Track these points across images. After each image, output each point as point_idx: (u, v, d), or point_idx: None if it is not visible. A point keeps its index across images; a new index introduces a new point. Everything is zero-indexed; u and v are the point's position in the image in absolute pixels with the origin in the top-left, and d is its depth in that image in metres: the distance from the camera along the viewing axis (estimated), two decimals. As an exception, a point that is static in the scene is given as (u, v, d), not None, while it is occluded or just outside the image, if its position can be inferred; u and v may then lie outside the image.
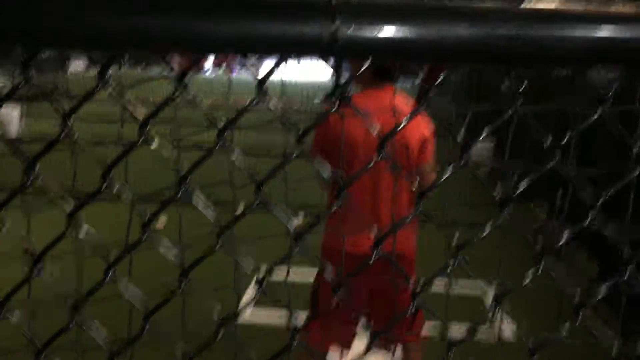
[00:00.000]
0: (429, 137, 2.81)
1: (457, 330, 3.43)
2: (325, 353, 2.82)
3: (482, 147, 8.35)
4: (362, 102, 2.62)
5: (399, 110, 2.47)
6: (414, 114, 0.86)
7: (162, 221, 3.97)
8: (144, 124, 0.68)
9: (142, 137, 0.68)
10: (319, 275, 2.83)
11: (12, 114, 10.07)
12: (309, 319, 2.83)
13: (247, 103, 0.68)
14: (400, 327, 2.68)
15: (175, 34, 0.59)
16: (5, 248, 1.04)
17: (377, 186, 2.65)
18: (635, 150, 0.69)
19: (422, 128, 2.77)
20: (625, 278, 0.73)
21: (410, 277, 2.86)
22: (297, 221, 3.97)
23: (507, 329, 3.48)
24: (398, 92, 2.61)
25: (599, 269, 5.08)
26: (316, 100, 12.16)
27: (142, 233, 0.72)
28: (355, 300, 2.68)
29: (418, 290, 0.74)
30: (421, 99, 0.74)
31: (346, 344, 2.84)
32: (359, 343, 2.90)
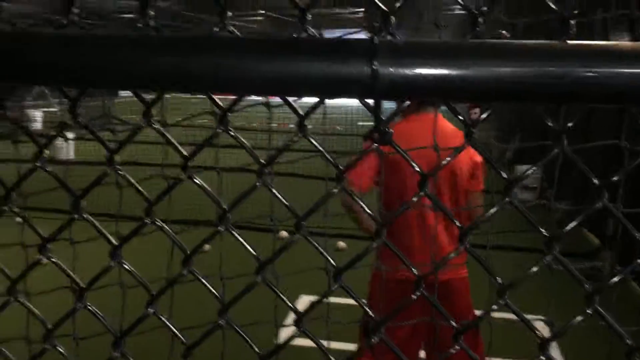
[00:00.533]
0: (480, 162, 2.76)
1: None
2: None
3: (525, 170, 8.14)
4: (405, 129, 2.61)
5: (445, 133, 2.44)
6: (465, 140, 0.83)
7: (206, 247, 4.04)
8: (186, 161, 0.70)
9: (187, 176, 0.69)
10: (369, 303, 2.80)
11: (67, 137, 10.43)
12: (359, 350, 2.79)
13: (286, 143, 0.68)
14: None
15: (217, 75, 0.60)
16: (50, 279, 1.07)
17: (422, 212, 2.61)
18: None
19: (471, 153, 2.72)
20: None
21: (467, 305, 2.79)
22: (342, 244, 3.96)
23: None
24: (439, 116, 2.59)
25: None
26: (359, 123, 12.15)
27: (182, 267, 0.72)
28: (409, 330, 2.64)
29: (462, 326, 0.73)
30: (468, 130, 0.73)
31: None
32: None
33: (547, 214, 1.40)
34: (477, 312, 2.85)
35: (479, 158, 2.75)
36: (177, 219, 5.37)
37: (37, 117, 13.85)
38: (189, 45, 0.62)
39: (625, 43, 0.60)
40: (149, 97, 0.72)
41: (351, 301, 0.77)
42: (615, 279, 0.68)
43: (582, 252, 6.21)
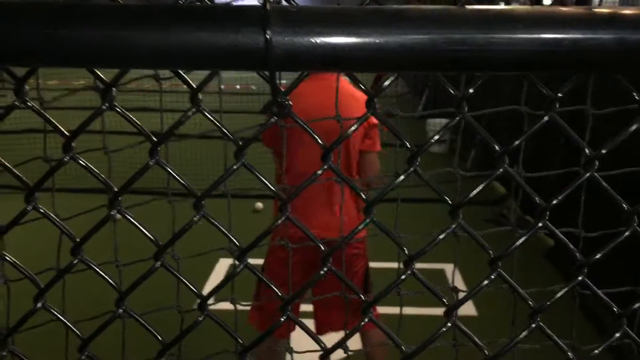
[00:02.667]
0: (375, 123, 2.76)
1: (415, 317, 3.46)
2: (276, 341, 2.80)
3: (439, 123, 8.39)
4: (305, 89, 2.57)
5: (346, 95, 2.43)
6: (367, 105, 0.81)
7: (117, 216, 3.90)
8: (68, 141, 0.63)
9: (68, 157, 0.63)
10: (267, 258, 2.80)
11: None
12: (255, 298, 2.79)
13: (181, 117, 0.63)
14: (353, 312, 2.68)
15: (94, 48, 0.54)
16: None
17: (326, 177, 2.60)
18: (584, 152, 0.67)
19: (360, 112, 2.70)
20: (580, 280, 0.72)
21: (361, 261, 2.85)
22: (259, 205, 3.92)
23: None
24: (340, 78, 2.57)
25: (554, 244, 5.18)
26: (253, 87, 11.96)
27: (72, 257, 0.67)
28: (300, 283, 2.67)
29: (369, 301, 0.72)
30: (369, 99, 0.71)
31: (283, 332, 2.78)
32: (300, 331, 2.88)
33: (459, 165, 1.42)
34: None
35: (374, 119, 2.75)
36: (73, 188, 5.15)
37: None
38: (61, 13, 0.55)
39: (521, 7, 0.59)
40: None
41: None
42: (517, 244, 0.69)
43: (489, 200, 6.50)
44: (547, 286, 1.05)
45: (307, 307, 3.10)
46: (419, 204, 5.81)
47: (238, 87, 12.51)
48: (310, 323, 3.01)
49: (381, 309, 3.05)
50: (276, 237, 2.61)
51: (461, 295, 0.74)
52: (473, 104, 0.69)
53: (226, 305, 1.39)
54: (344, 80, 2.73)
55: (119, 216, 0.68)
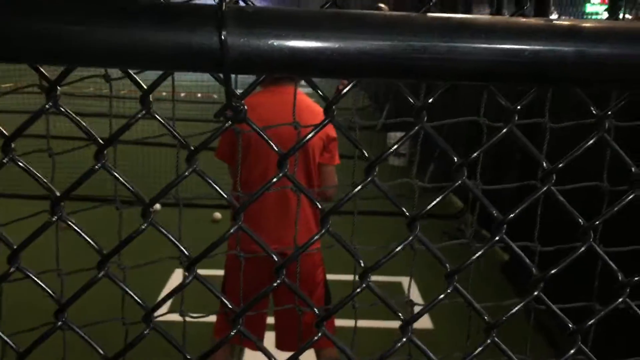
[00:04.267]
0: (334, 137, 2.76)
1: (372, 330, 3.46)
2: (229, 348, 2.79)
3: (397, 136, 8.46)
4: (262, 101, 2.56)
5: (303, 108, 2.42)
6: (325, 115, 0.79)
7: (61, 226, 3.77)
8: (8, 141, 0.60)
9: (7, 158, 0.60)
10: (225, 270, 2.76)
11: None
12: (218, 315, 2.76)
13: (130, 119, 0.60)
14: (308, 329, 2.66)
15: (38, 44, 0.50)
16: None
17: (287, 192, 2.58)
18: (541, 165, 0.66)
19: (326, 127, 2.71)
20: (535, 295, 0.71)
21: (321, 272, 2.83)
22: (217, 215, 3.88)
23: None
24: (298, 91, 2.56)
25: (509, 259, 5.26)
26: (215, 96, 11.89)
27: (9, 265, 0.63)
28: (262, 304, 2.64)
29: (323, 314, 0.70)
30: (327, 106, 0.69)
31: (252, 346, 2.79)
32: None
33: (417, 178, 1.42)
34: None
35: (333, 132, 2.76)
36: (19, 194, 4.97)
37: None
38: (8, 2, 0.52)
39: (483, 17, 0.58)
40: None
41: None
42: (473, 258, 0.68)
43: (446, 214, 6.56)
44: (502, 300, 1.05)
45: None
46: (376, 217, 5.83)
47: (199, 95, 12.39)
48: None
49: (337, 322, 3.04)
50: (232, 249, 2.57)
51: (417, 309, 0.73)
52: (433, 116, 0.68)
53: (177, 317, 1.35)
54: (302, 94, 2.72)
55: (64, 225, 0.64)
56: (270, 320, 2.93)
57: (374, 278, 0.71)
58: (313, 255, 2.76)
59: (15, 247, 0.62)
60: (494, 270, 5.09)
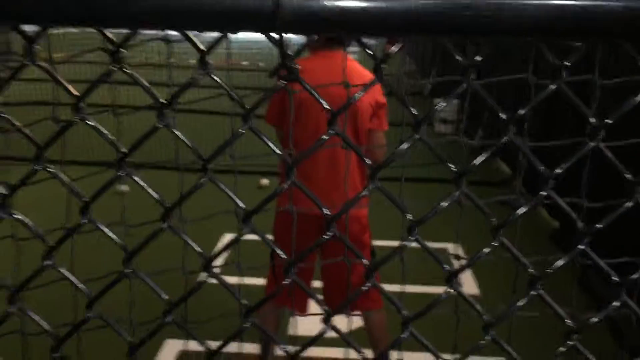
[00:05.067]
0: (383, 103, 2.77)
1: (416, 295, 3.49)
2: (278, 308, 2.86)
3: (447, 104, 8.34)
4: (312, 65, 2.57)
5: (352, 72, 2.43)
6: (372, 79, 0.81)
7: (124, 188, 3.86)
8: (78, 101, 0.64)
9: (78, 117, 0.64)
10: (274, 228, 2.82)
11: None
12: (268, 281, 2.85)
13: (189, 79, 0.64)
14: (363, 296, 2.70)
15: (101, 9, 0.54)
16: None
17: (333, 149, 2.62)
18: (590, 123, 0.67)
19: (375, 93, 2.72)
20: (582, 248, 0.72)
21: (367, 235, 2.87)
22: (265, 181, 3.98)
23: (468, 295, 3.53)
24: (348, 56, 2.57)
25: (559, 226, 5.19)
26: (261, 64, 11.91)
27: (81, 216, 0.68)
28: (309, 265, 2.70)
29: (373, 265, 0.73)
30: (376, 65, 0.71)
31: (301, 309, 2.85)
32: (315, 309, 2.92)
33: (465, 147, 1.42)
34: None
35: (382, 98, 2.76)
36: (77, 160, 5.14)
37: None
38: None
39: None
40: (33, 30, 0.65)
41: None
42: (518, 213, 0.69)
43: (494, 182, 6.49)
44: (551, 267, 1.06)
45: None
46: (424, 184, 5.82)
47: (245, 63, 12.46)
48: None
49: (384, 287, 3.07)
50: (282, 206, 2.64)
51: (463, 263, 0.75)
52: (484, 78, 0.69)
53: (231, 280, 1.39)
54: (352, 60, 2.73)
55: (125, 188, 0.69)
56: (316, 286, 2.99)
57: (419, 246, 0.73)
58: (360, 218, 2.79)
59: (87, 199, 0.67)
60: (543, 238, 5.04)
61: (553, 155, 0.67)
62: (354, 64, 2.72)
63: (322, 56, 2.61)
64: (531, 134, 1.09)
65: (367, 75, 2.65)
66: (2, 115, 0.64)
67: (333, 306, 0.73)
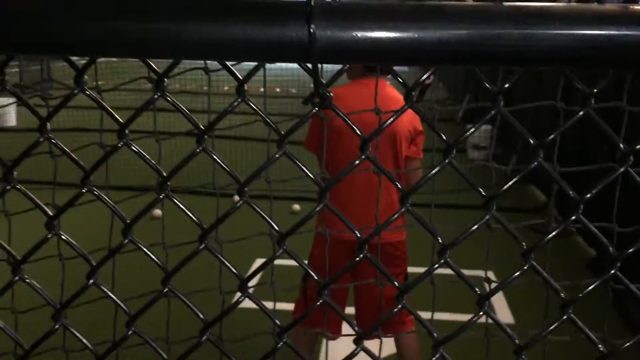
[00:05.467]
0: (420, 130, 2.79)
1: (446, 322, 3.45)
2: (311, 329, 2.86)
3: (481, 129, 8.32)
4: (349, 92, 2.62)
5: (389, 99, 2.46)
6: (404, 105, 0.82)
7: (157, 213, 3.92)
8: (122, 128, 0.68)
9: (122, 142, 0.68)
10: (312, 250, 2.85)
11: (8, 102, 10.05)
12: (298, 305, 2.86)
13: (228, 106, 0.67)
14: (395, 319, 2.70)
15: (147, 40, 0.57)
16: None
17: (369, 175, 2.65)
18: (620, 148, 0.68)
19: (414, 120, 2.76)
20: (612, 274, 0.73)
21: (402, 264, 2.87)
22: (296, 207, 4.04)
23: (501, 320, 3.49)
24: (385, 83, 2.61)
25: (596, 255, 5.09)
26: (293, 90, 12.09)
27: (123, 237, 0.71)
28: (343, 289, 2.71)
29: (404, 287, 0.74)
30: (407, 92, 0.73)
31: (334, 331, 2.86)
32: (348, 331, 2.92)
33: (497, 172, 1.43)
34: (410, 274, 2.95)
35: (420, 125, 2.79)
36: (117, 185, 5.27)
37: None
38: (118, 7, 0.60)
39: (558, 5, 0.61)
40: (82, 61, 0.69)
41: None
42: (548, 238, 0.70)
43: (527, 209, 6.41)
44: (586, 296, 1.05)
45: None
46: (455, 210, 5.79)
47: (278, 90, 12.63)
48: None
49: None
50: (319, 228, 2.67)
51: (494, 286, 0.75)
52: (516, 104, 0.70)
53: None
54: (390, 87, 2.77)
55: (159, 212, 0.72)
56: (350, 312, 2.99)
57: (449, 271, 0.75)
58: (397, 244, 2.80)
59: (128, 221, 0.70)
60: (580, 267, 4.94)
61: (588, 182, 0.68)
62: (391, 91, 2.76)
63: (360, 83, 2.66)
64: (566, 161, 1.09)
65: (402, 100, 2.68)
66: (53, 141, 0.68)
67: (365, 329, 0.75)
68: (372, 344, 0.78)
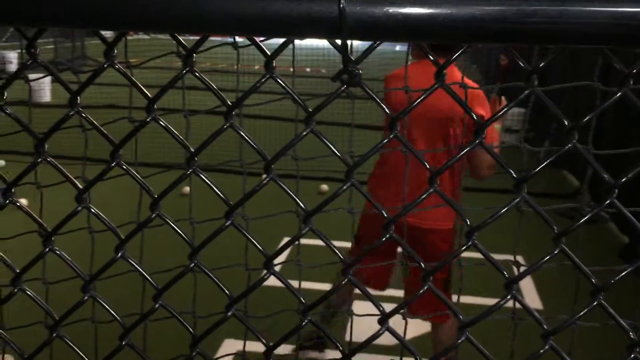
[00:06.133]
0: (481, 114, 2.70)
1: (473, 305, 3.42)
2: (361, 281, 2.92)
3: (514, 112, 8.20)
4: (413, 73, 2.58)
5: (453, 81, 2.43)
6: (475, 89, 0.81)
7: (185, 190, 3.95)
8: (150, 103, 0.68)
9: (150, 117, 0.68)
10: (362, 217, 2.88)
11: (44, 80, 10.21)
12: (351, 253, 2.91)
13: (255, 82, 0.66)
14: (427, 304, 2.70)
15: (175, 14, 0.57)
16: (19, 224, 1.07)
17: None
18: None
19: (475, 104, 2.66)
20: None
21: (446, 249, 2.85)
22: (324, 187, 4.05)
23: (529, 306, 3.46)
24: (452, 68, 2.57)
25: (629, 241, 4.99)
26: (323, 71, 12.03)
27: (151, 212, 0.72)
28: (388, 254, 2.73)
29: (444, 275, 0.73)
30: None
31: (379, 285, 2.93)
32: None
33: (530, 156, 1.40)
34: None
35: (482, 110, 2.69)
36: (145, 162, 5.34)
37: (11, 59, 13.48)
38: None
39: (598, -20, 0.58)
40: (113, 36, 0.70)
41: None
42: (580, 222, 0.68)
43: (561, 194, 6.31)
44: (618, 282, 1.03)
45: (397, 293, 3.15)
46: (487, 193, 5.73)
47: (308, 70, 12.59)
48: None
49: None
50: (367, 209, 2.71)
51: (522, 270, 0.74)
52: (552, 84, 0.68)
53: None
54: (455, 69, 2.71)
55: (187, 189, 0.72)
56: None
57: (477, 255, 0.74)
58: (443, 231, 2.78)
59: (156, 195, 0.70)
60: (611, 254, 4.86)
61: (623, 168, 0.66)
62: (458, 75, 2.70)
63: (424, 64, 2.62)
64: (602, 145, 1.06)
65: (470, 85, 2.64)
66: (83, 115, 0.68)
67: (413, 310, 0.74)
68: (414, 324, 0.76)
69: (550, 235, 0.70)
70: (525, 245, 2.73)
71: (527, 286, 4.31)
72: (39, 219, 0.74)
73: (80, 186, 0.71)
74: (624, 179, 0.67)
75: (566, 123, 0.67)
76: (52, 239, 0.72)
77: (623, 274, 0.68)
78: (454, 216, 2.73)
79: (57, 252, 0.74)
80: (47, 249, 0.73)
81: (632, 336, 0.69)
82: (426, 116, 2.54)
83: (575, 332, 0.81)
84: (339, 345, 0.76)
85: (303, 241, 0.74)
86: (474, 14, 0.57)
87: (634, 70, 0.65)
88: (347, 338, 1.53)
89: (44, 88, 10.61)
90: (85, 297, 0.75)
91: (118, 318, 0.77)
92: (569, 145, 0.65)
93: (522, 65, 0.66)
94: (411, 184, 2.63)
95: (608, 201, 0.67)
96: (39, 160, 0.70)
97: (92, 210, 0.72)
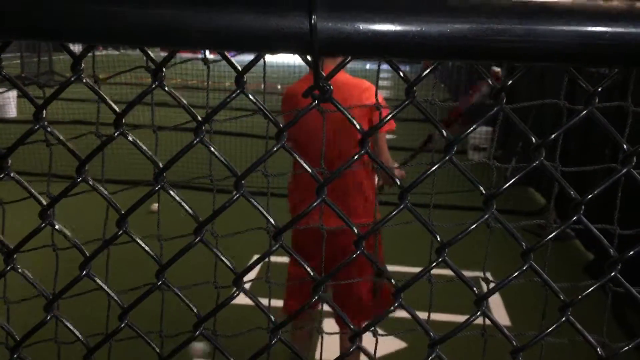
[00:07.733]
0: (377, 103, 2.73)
1: (443, 323, 3.44)
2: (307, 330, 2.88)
3: (482, 130, 8.33)
4: (304, 85, 2.63)
5: (348, 86, 2.59)
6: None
7: (154, 207, 3.91)
8: (119, 118, 0.67)
9: (118, 132, 0.67)
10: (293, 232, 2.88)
11: (9, 95, 10.03)
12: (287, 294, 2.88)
13: (226, 97, 0.66)
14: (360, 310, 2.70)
15: (143, 28, 0.56)
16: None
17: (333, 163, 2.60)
18: (623, 148, 0.67)
19: (363, 98, 2.68)
20: (612, 276, 0.72)
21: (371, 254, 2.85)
22: (155, 206, 3.96)
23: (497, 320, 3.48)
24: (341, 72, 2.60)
25: (594, 258, 5.08)
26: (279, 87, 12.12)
27: (118, 228, 0.70)
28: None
29: (401, 286, 0.73)
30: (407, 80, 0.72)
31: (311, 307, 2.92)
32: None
33: (498, 173, 1.42)
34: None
35: (374, 99, 2.71)
36: (114, 179, 5.27)
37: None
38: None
39: (563, 1, 0.60)
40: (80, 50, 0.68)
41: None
42: (548, 237, 0.69)
43: (528, 211, 6.40)
44: (585, 298, 1.05)
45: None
46: (454, 211, 5.79)
47: (279, 87, 12.63)
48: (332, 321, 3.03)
49: (404, 314, 3.05)
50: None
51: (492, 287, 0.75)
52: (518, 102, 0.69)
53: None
54: (345, 74, 2.76)
55: (155, 207, 0.71)
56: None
57: (447, 272, 0.74)
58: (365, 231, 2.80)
59: (123, 212, 0.69)
60: (577, 270, 4.94)
61: (589, 185, 0.67)
62: (347, 78, 2.75)
63: (309, 78, 2.65)
64: (568, 164, 1.08)
65: (363, 84, 2.72)
66: (48, 129, 0.67)
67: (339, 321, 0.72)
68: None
69: (518, 251, 0.71)
70: (494, 262, 2.76)
71: (496, 303, 4.35)
72: (0, 236, 0.71)
73: (45, 202, 0.69)
74: (590, 195, 0.68)
75: (534, 140, 0.68)
76: (15, 256, 0.70)
77: (590, 289, 0.68)
78: (371, 211, 2.73)
79: (19, 270, 0.71)
80: (8, 267, 0.71)
81: (599, 352, 0.69)
82: (323, 127, 2.55)
83: (543, 348, 0.82)
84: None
85: (273, 259, 0.73)
86: (444, 32, 0.58)
87: (599, 89, 0.66)
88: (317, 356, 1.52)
89: (9, 103, 10.41)
90: (48, 317, 0.72)
91: (81, 338, 0.75)
92: (536, 162, 0.66)
93: (491, 83, 0.67)
94: (331, 195, 2.64)
95: (575, 217, 0.68)
96: (2, 176, 0.68)
97: (56, 227, 0.70)
